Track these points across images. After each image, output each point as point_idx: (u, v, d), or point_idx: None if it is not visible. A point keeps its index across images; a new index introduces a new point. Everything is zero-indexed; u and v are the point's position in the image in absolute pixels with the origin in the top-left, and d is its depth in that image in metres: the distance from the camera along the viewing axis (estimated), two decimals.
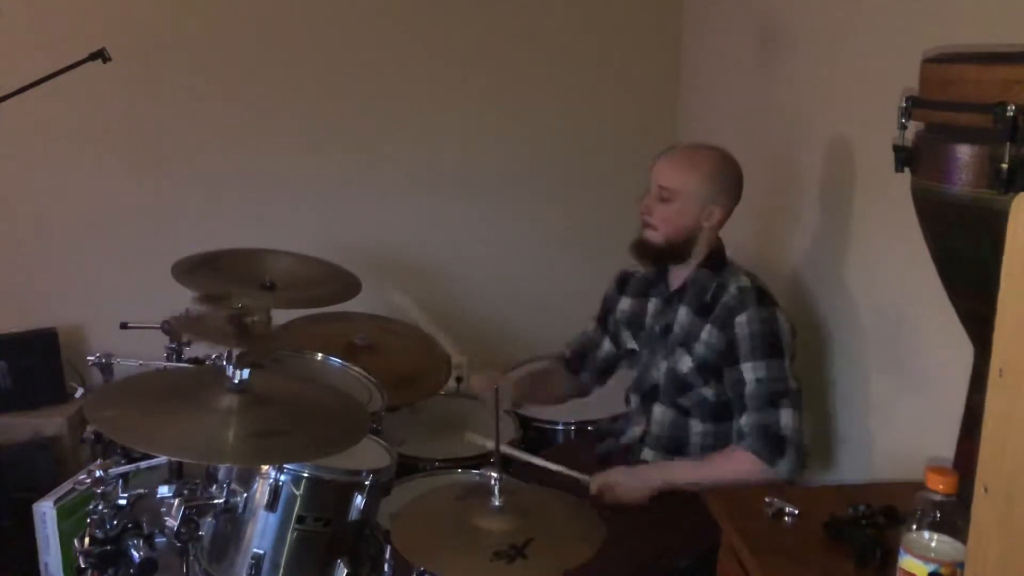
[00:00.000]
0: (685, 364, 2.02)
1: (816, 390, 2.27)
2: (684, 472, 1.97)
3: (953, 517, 1.17)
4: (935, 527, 1.19)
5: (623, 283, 2.26)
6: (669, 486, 1.95)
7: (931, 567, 1.17)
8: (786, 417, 1.89)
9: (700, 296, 2.02)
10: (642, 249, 2.06)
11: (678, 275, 2.08)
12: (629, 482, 1.97)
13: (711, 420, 2.03)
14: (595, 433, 2.36)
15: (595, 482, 1.98)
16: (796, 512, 1.54)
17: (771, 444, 1.88)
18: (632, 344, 2.21)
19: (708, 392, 2.01)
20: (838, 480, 2.16)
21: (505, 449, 1.98)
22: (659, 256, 2.06)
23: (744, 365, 1.93)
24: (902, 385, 1.93)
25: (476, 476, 2.15)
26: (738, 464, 1.90)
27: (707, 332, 1.98)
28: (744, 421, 1.92)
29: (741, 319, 1.94)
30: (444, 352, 2.57)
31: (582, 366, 2.36)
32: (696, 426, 2.04)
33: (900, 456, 1.91)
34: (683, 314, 2.04)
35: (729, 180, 2.03)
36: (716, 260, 2.04)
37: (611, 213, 3.19)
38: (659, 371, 2.08)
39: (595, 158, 3.27)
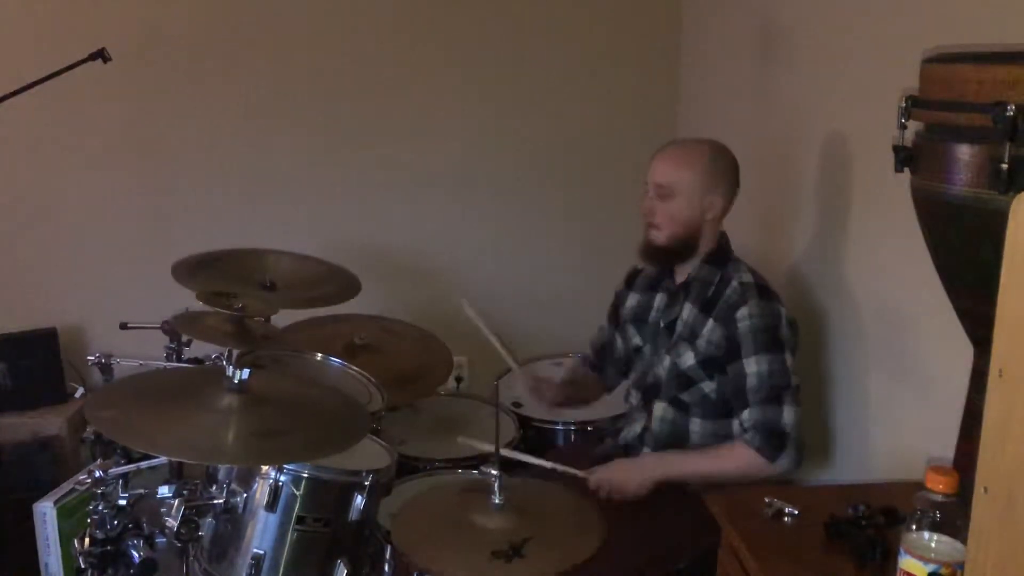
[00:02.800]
0: (688, 359, 2.02)
1: (816, 390, 2.27)
2: (684, 464, 1.99)
3: (953, 517, 1.17)
4: (935, 527, 1.19)
5: (632, 279, 2.27)
6: (668, 478, 1.96)
7: (931, 567, 1.17)
8: (787, 413, 1.90)
9: (704, 291, 2.02)
10: (650, 252, 2.07)
11: (683, 270, 2.08)
12: (628, 473, 1.98)
13: (711, 417, 2.03)
14: (595, 433, 2.36)
15: (594, 477, 1.99)
16: (796, 512, 1.54)
17: (772, 439, 1.88)
18: (637, 340, 2.21)
19: (709, 388, 2.01)
20: (838, 480, 2.16)
21: (504, 452, 1.98)
22: (667, 255, 2.06)
23: (747, 360, 1.93)
24: (902, 385, 1.93)
25: (476, 475, 2.15)
26: (739, 458, 1.91)
27: (709, 327, 1.98)
28: (746, 416, 1.92)
29: (742, 313, 1.94)
30: (444, 352, 2.57)
31: (603, 363, 2.37)
32: (695, 424, 2.04)
33: (900, 456, 1.91)
34: (687, 309, 2.05)
35: (724, 168, 2.03)
36: (720, 255, 2.05)
37: (611, 213, 3.20)
38: (661, 367, 2.08)
39: (595, 158, 3.27)
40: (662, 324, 2.12)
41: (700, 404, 2.03)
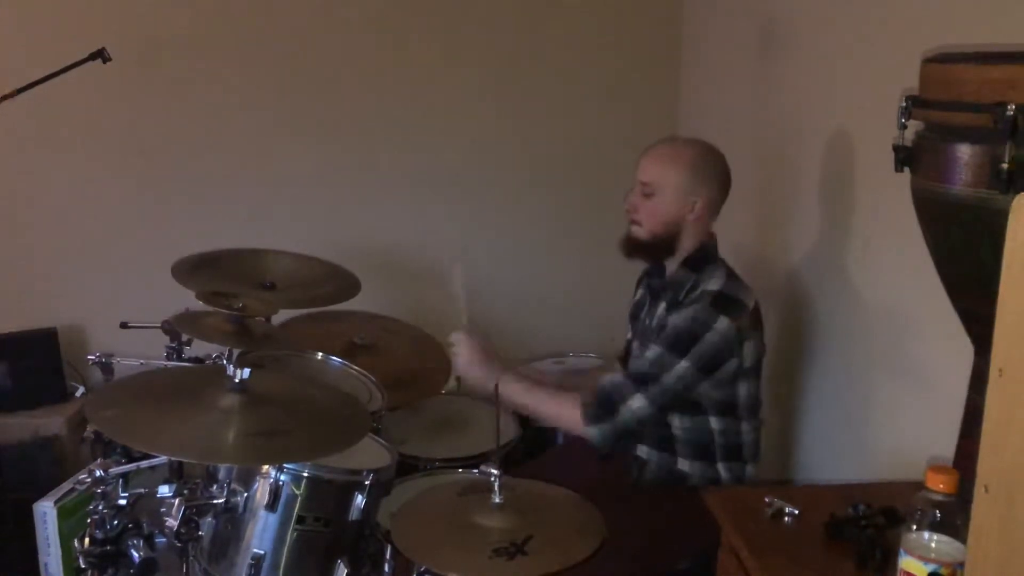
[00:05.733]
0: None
1: (816, 390, 2.27)
2: (519, 392, 2.06)
3: (953, 517, 1.17)
4: (935, 527, 1.19)
5: (644, 276, 2.27)
6: (505, 395, 2.01)
7: (931, 567, 1.17)
8: (636, 399, 1.92)
9: (676, 293, 2.04)
10: (629, 245, 2.09)
11: (669, 270, 2.10)
12: (480, 366, 2.07)
13: (688, 413, 2.02)
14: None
15: (457, 342, 2.10)
16: (796, 512, 1.54)
17: (601, 407, 1.93)
18: (630, 336, 2.24)
19: None
20: (838, 480, 2.16)
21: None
22: (645, 251, 2.08)
23: (651, 346, 1.96)
24: (902, 385, 1.93)
25: (475, 475, 2.15)
26: (565, 407, 1.99)
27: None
28: (603, 377, 1.98)
29: (677, 314, 1.96)
30: (444, 352, 2.56)
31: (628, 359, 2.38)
32: (675, 419, 2.04)
33: (900, 456, 1.91)
34: (661, 309, 2.07)
35: (710, 171, 2.03)
36: (699, 258, 2.04)
37: (611, 213, 3.18)
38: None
39: (595, 158, 3.27)
40: (647, 322, 2.14)
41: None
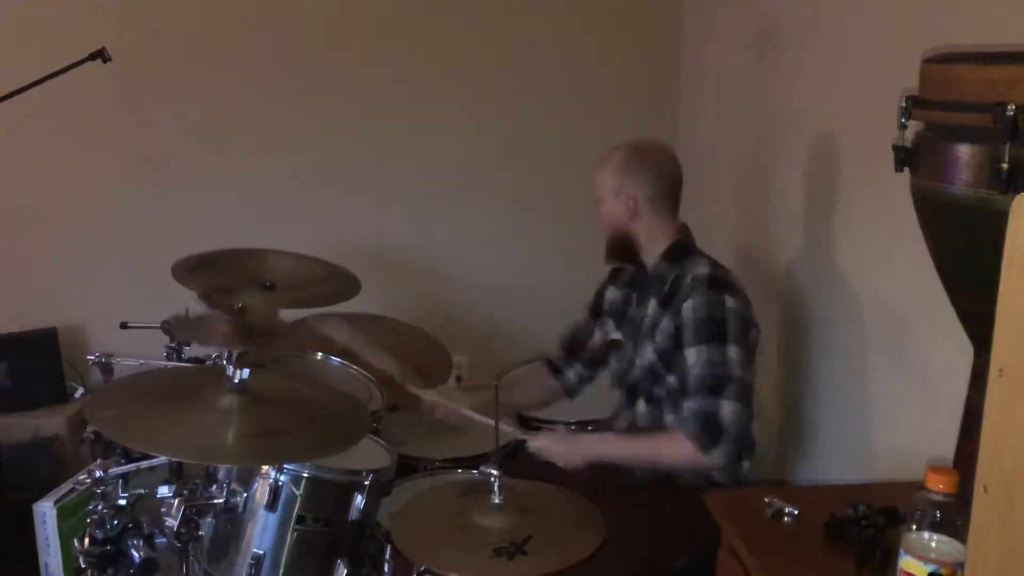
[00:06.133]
0: (649, 353, 2.06)
1: (816, 390, 2.27)
2: (619, 448, 2.04)
3: (953, 517, 1.17)
4: (935, 527, 1.19)
5: (616, 274, 2.31)
6: (605, 458, 2.00)
7: (931, 567, 1.17)
8: (727, 407, 1.91)
9: (662, 287, 2.06)
10: (606, 251, 2.18)
11: (649, 267, 2.13)
12: (567, 448, 2.03)
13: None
14: (595, 433, 2.35)
15: (535, 444, 2.05)
16: (796, 512, 1.54)
17: (708, 431, 1.90)
18: (616, 334, 2.24)
19: (673, 380, 2.03)
20: (838, 480, 2.16)
21: (465, 412, 2.11)
22: (613, 255, 2.16)
23: (688, 350, 1.96)
24: (902, 385, 1.93)
25: (475, 475, 2.15)
26: (673, 447, 1.95)
27: (665, 322, 2.03)
28: (686, 405, 1.95)
29: (687, 304, 1.97)
30: (444, 352, 2.57)
31: (574, 357, 2.39)
32: (670, 419, 2.05)
33: (900, 456, 1.91)
34: (651, 306, 2.09)
35: (637, 167, 2.09)
36: (677, 251, 2.08)
37: None
38: (637, 363, 2.12)
39: (595, 158, 3.26)
40: (636, 320, 2.15)
41: (670, 398, 2.05)
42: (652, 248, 2.10)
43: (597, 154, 3.24)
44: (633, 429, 2.13)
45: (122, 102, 2.99)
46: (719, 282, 1.99)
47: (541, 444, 2.05)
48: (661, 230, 2.09)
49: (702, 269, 2.02)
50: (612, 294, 2.29)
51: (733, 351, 1.93)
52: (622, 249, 2.13)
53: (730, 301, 1.96)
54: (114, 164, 3.05)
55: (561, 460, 2.01)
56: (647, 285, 2.13)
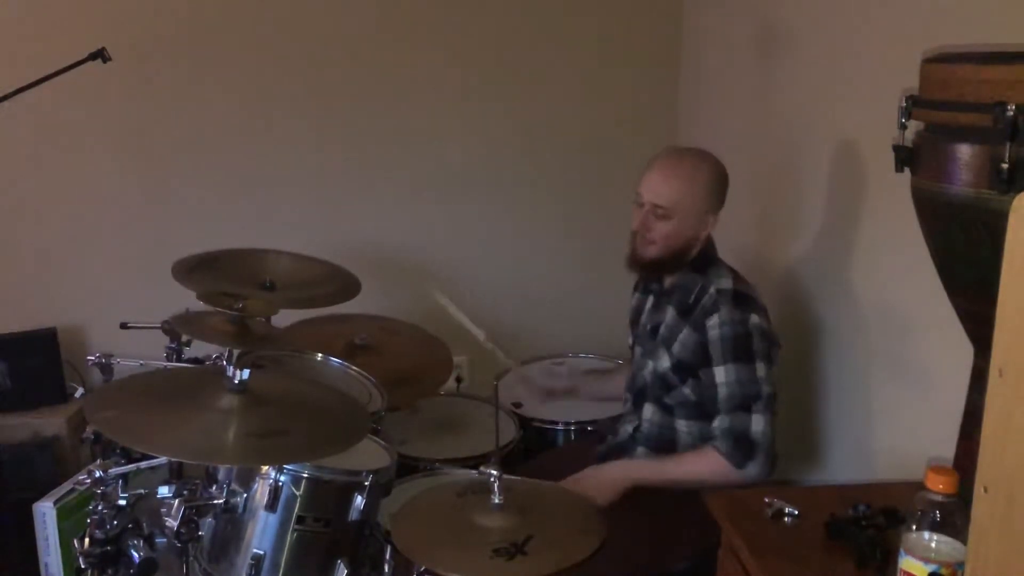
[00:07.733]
0: (664, 363, 2.05)
1: (816, 390, 2.27)
2: (652, 471, 2.01)
3: (953, 517, 1.17)
4: (935, 527, 1.19)
5: (639, 280, 2.28)
6: (638, 484, 1.98)
7: (931, 567, 1.17)
8: (757, 422, 1.91)
9: (685, 297, 2.04)
10: (640, 264, 2.07)
11: (670, 275, 2.10)
12: (597, 483, 1.99)
13: (695, 418, 2.03)
14: (595, 433, 2.36)
15: (565, 483, 2.00)
16: (796, 512, 1.54)
17: (741, 448, 1.90)
18: (630, 340, 2.24)
19: (688, 391, 2.02)
20: (838, 480, 2.16)
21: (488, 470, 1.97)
22: (658, 269, 2.08)
23: (716, 368, 1.95)
24: (902, 385, 1.93)
25: (475, 475, 2.15)
26: (708, 464, 1.93)
27: (685, 332, 2.01)
28: (716, 424, 1.95)
29: (713, 321, 1.95)
30: (444, 352, 2.57)
31: None
32: (681, 424, 2.06)
33: (900, 456, 1.91)
34: (670, 314, 2.07)
35: (721, 185, 2.05)
36: (703, 260, 2.05)
37: (611, 213, 3.18)
38: (648, 369, 2.11)
39: (595, 158, 3.27)
40: (649, 327, 2.14)
41: (682, 406, 2.05)
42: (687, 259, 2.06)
43: (597, 154, 3.28)
44: (639, 433, 2.12)
45: (122, 102, 2.99)
46: (743, 299, 1.97)
47: (571, 488, 1.97)
48: (704, 241, 2.05)
49: (725, 282, 2.00)
50: (633, 301, 2.28)
51: (761, 368, 1.93)
52: (676, 261, 2.04)
53: (755, 318, 1.95)
54: (114, 164, 3.04)
55: (597, 497, 1.94)
56: (666, 291, 2.10)
